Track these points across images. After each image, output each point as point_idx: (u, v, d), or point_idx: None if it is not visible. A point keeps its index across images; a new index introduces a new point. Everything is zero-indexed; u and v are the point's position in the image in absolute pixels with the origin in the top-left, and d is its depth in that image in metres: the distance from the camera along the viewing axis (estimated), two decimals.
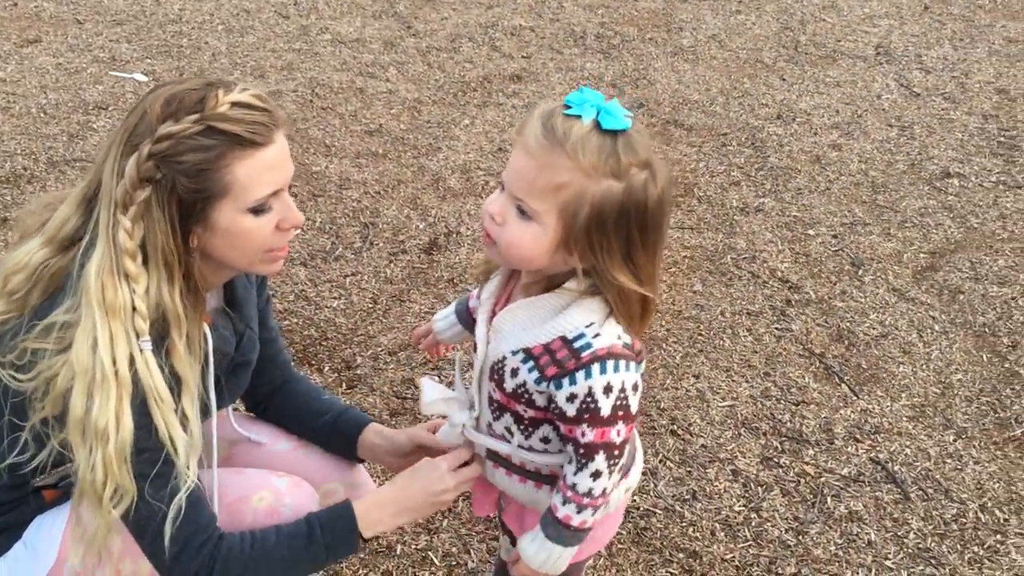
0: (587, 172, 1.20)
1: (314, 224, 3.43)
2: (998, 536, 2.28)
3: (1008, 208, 3.69)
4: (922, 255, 3.39)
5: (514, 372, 1.34)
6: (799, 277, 3.23)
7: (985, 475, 2.45)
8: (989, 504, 2.36)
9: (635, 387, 1.31)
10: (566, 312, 1.31)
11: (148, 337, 1.30)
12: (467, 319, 1.65)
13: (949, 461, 2.50)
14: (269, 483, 1.59)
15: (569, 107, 1.22)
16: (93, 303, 1.27)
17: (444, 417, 1.57)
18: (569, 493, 1.37)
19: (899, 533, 2.28)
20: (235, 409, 1.80)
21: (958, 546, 2.25)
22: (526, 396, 1.35)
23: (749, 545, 2.23)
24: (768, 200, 3.69)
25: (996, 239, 3.49)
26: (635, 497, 2.31)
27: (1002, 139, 4.22)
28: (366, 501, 1.53)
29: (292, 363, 1.92)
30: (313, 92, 4.41)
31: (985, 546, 2.25)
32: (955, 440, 2.56)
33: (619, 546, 2.20)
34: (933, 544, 2.25)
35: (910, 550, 2.24)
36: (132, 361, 1.28)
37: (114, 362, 1.26)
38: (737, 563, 2.18)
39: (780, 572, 2.17)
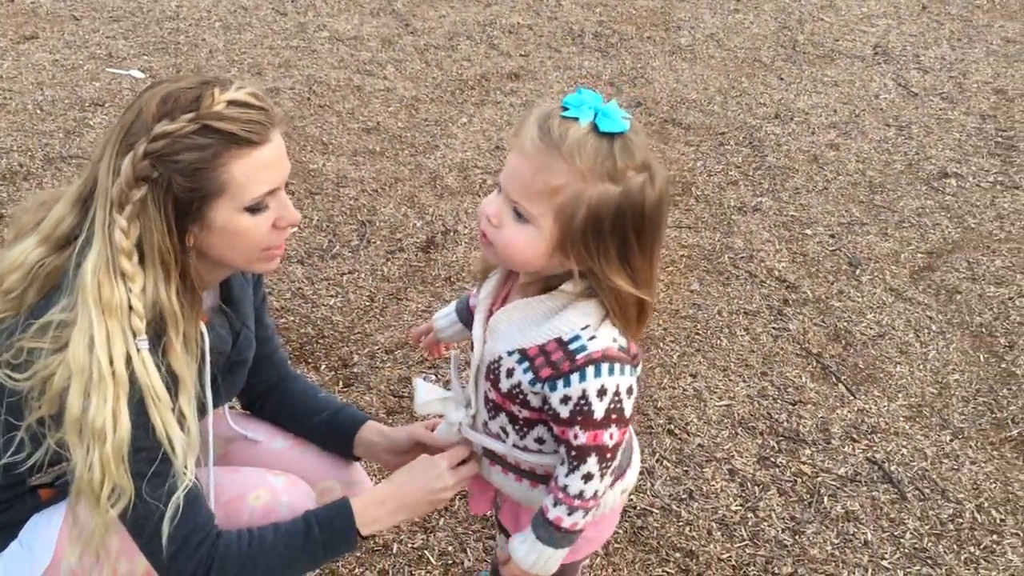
0: (583, 175, 1.20)
1: (311, 222, 3.42)
2: (994, 536, 2.28)
3: (1005, 208, 3.69)
4: (919, 255, 3.39)
5: (509, 372, 1.34)
6: (796, 277, 3.23)
7: (981, 475, 2.45)
8: (985, 504, 2.36)
9: (629, 391, 1.31)
10: (562, 314, 1.30)
11: (145, 336, 1.29)
12: (468, 318, 1.65)
13: (946, 461, 2.50)
14: (265, 481, 1.59)
15: (567, 109, 1.22)
16: (89, 302, 1.27)
17: (441, 416, 1.57)
18: (560, 495, 1.37)
19: (895, 533, 2.28)
20: (231, 407, 1.80)
21: (954, 546, 2.25)
22: (521, 397, 1.35)
23: (746, 545, 2.23)
24: (766, 199, 3.69)
25: (993, 239, 3.50)
26: (632, 496, 2.31)
27: (999, 139, 4.22)
28: (363, 499, 1.53)
29: (288, 361, 1.91)
30: (310, 90, 4.41)
31: (981, 546, 2.25)
32: (952, 440, 2.57)
33: (616, 545, 2.20)
34: (929, 544, 2.26)
35: (906, 550, 2.24)
36: (129, 360, 1.28)
37: (111, 361, 1.26)
38: (734, 563, 2.19)
39: (776, 572, 2.17)
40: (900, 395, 2.72)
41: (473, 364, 1.42)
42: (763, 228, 3.51)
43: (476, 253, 3.24)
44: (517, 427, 1.41)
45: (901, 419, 2.63)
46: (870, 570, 2.19)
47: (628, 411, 1.32)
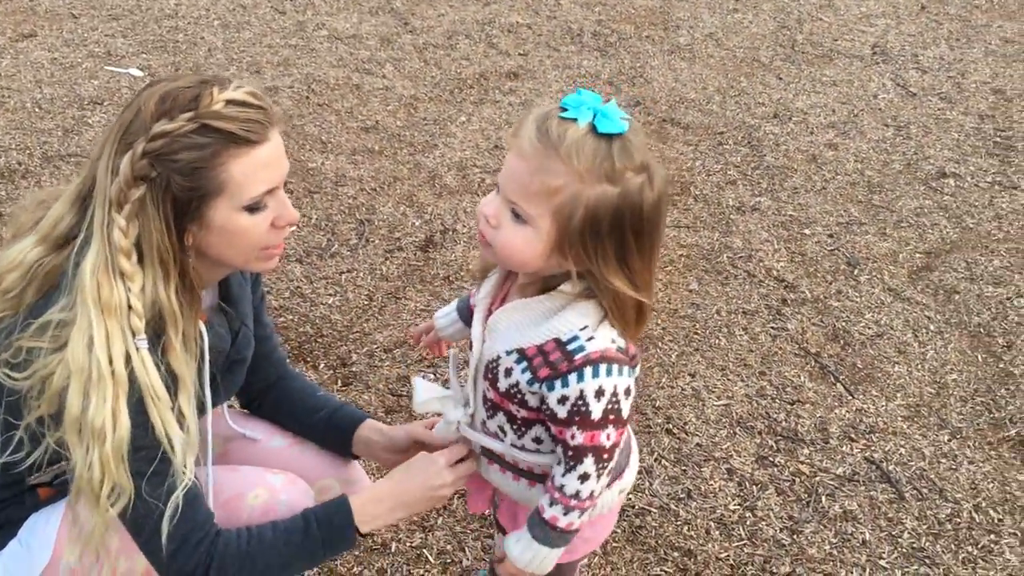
0: (581, 176, 1.20)
1: (310, 221, 3.42)
2: (992, 536, 2.28)
3: (1004, 208, 3.69)
4: (917, 255, 3.39)
5: (508, 372, 1.34)
6: (795, 276, 3.24)
7: (979, 475, 2.45)
8: (983, 504, 2.37)
9: (627, 392, 1.31)
10: (561, 314, 1.30)
11: (144, 335, 1.29)
12: (469, 316, 1.65)
13: (944, 461, 2.50)
14: (264, 480, 1.59)
15: (565, 109, 1.22)
16: (88, 301, 1.27)
17: (439, 415, 1.57)
18: (557, 494, 1.37)
19: (893, 533, 2.28)
20: (230, 406, 1.80)
21: (952, 546, 2.26)
22: (519, 396, 1.35)
23: (744, 544, 2.24)
24: (764, 199, 3.69)
25: (991, 239, 3.50)
26: (630, 496, 2.31)
27: (998, 139, 4.22)
28: (362, 496, 1.53)
29: (287, 360, 1.91)
30: (309, 88, 4.40)
31: (979, 546, 2.26)
32: (950, 440, 2.57)
33: (614, 544, 2.20)
34: (927, 544, 2.26)
35: (904, 550, 2.24)
36: (128, 359, 1.28)
37: (110, 360, 1.26)
38: (732, 562, 2.19)
39: (774, 571, 2.17)
40: (898, 395, 2.72)
41: (472, 363, 1.43)
42: (761, 228, 3.51)
43: (475, 252, 3.24)
44: (515, 426, 1.41)
45: (899, 419, 2.64)
46: (868, 569, 2.19)
47: (626, 412, 1.32)
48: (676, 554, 2.20)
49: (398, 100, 4.36)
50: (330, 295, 3.05)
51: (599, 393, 1.28)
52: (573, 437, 1.31)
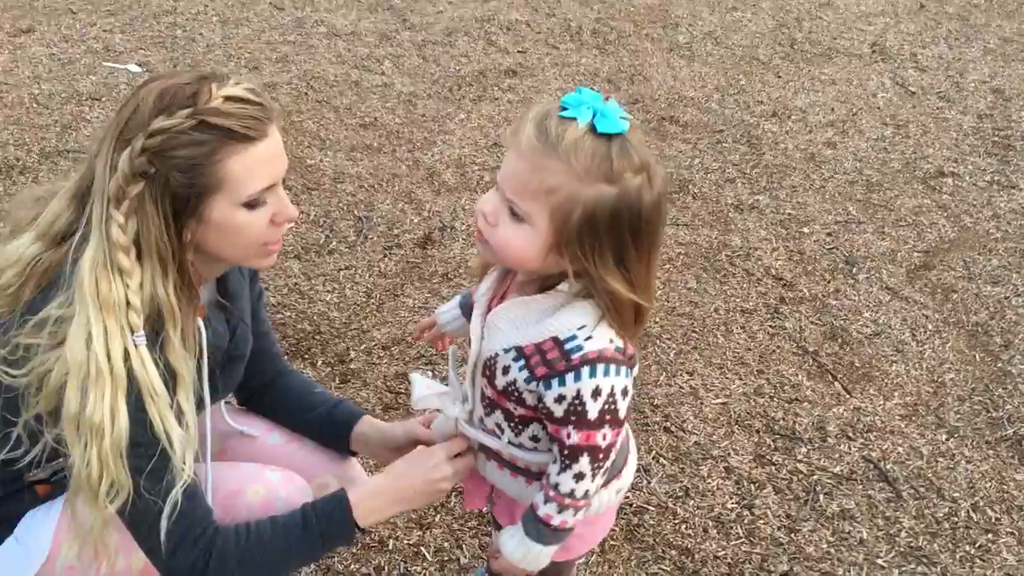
0: (579, 176, 1.20)
1: (308, 217, 3.42)
2: (989, 535, 2.29)
3: (1002, 208, 3.69)
4: (916, 254, 3.39)
5: (505, 370, 1.34)
6: (793, 275, 3.24)
7: (977, 474, 2.46)
8: (981, 503, 2.37)
9: (624, 392, 1.31)
10: (559, 313, 1.30)
11: (142, 332, 1.29)
12: (471, 312, 1.66)
13: (941, 460, 2.50)
14: (262, 477, 1.59)
15: (565, 108, 1.22)
16: (87, 298, 1.26)
17: (438, 411, 1.57)
18: (551, 492, 1.37)
19: (891, 531, 2.29)
20: (227, 403, 1.80)
21: (950, 545, 2.26)
22: (516, 394, 1.35)
23: (741, 542, 2.24)
24: (763, 197, 3.69)
25: (990, 238, 3.50)
26: (628, 494, 2.30)
27: (996, 139, 4.22)
28: (361, 491, 1.52)
29: (284, 357, 1.91)
30: (308, 85, 4.40)
31: (976, 545, 2.26)
32: (947, 439, 2.57)
33: (611, 543, 2.20)
34: (925, 543, 2.26)
35: (902, 548, 2.24)
36: (127, 356, 1.28)
37: (108, 357, 1.26)
38: (729, 560, 2.19)
39: (772, 570, 2.17)
40: (896, 394, 2.72)
41: (470, 360, 1.43)
42: (760, 226, 3.51)
43: (473, 250, 3.24)
44: (512, 424, 1.41)
45: (897, 418, 2.64)
46: (865, 568, 2.19)
47: (623, 412, 1.32)
48: (674, 552, 2.20)
49: (397, 97, 4.36)
50: (328, 292, 3.05)
51: (596, 393, 1.28)
52: (569, 436, 1.31)
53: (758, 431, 2.57)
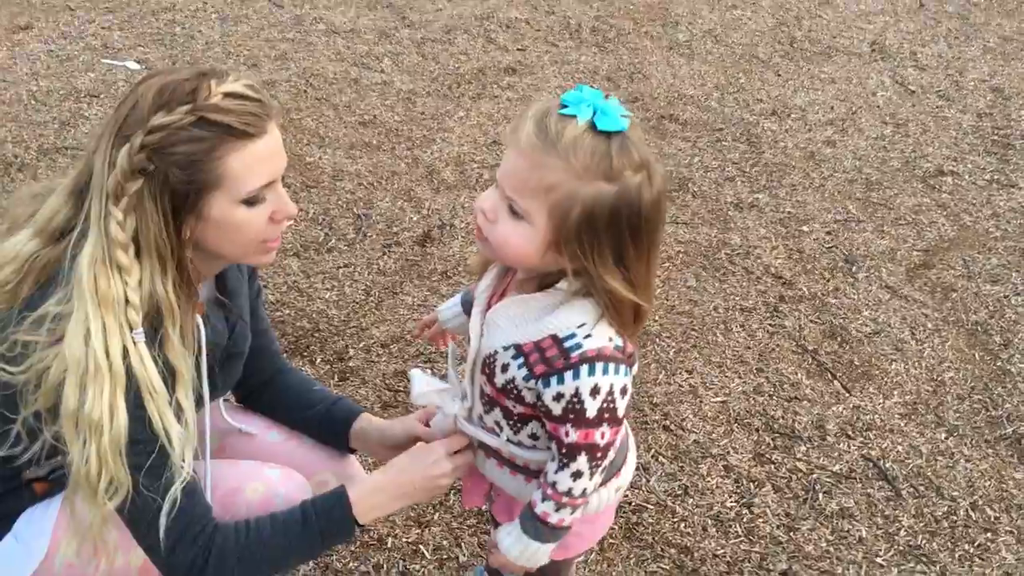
0: (578, 174, 1.19)
1: (307, 215, 3.41)
2: (988, 534, 2.28)
3: (1001, 207, 3.69)
4: (915, 253, 3.39)
5: (504, 367, 1.34)
6: (792, 273, 3.23)
7: (976, 473, 2.46)
8: (980, 502, 2.37)
9: (623, 391, 1.31)
10: (559, 311, 1.30)
11: (141, 329, 1.29)
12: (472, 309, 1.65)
13: (940, 459, 2.50)
14: (261, 474, 1.59)
15: (565, 106, 1.21)
16: (86, 295, 1.26)
17: (437, 407, 1.57)
18: (549, 490, 1.37)
19: (890, 530, 2.29)
20: (226, 400, 1.80)
21: (949, 544, 2.26)
22: (515, 392, 1.35)
23: (740, 541, 2.24)
24: (762, 196, 3.69)
25: (989, 237, 3.50)
26: (627, 492, 2.31)
27: (996, 138, 4.22)
28: (361, 487, 1.52)
29: (283, 354, 1.91)
30: (307, 82, 4.39)
31: (975, 544, 2.26)
32: (947, 438, 2.57)
33: (610, 541, 2.20)
34: (924, 541, 2.26)
35: (901, 547, 2.24)
36: (125, 353, 1.27)
37: (107, 354, 1.26)
38: (728, 559, 2.19)
39: (771, 568, 2.17)
40: (895, 392, 2.72)
41: (469, 357, 1.42)
42: (760, 225, 3.50)
43: (472, 248, 3.24)
44: (511, 422, 1.40)
45: (896, 416, 2.64)
46: (864, 567, 2.19)
47: (621, 411, 1.32)
48: (673, 551, 2.20)
49: (396, 95, 4.35)
50: (327, 290, 3.04)
51: (595, 391, 1.28)
52: (567, 434, 1.31)
53: (757, 429, 2.57)
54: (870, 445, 2.53)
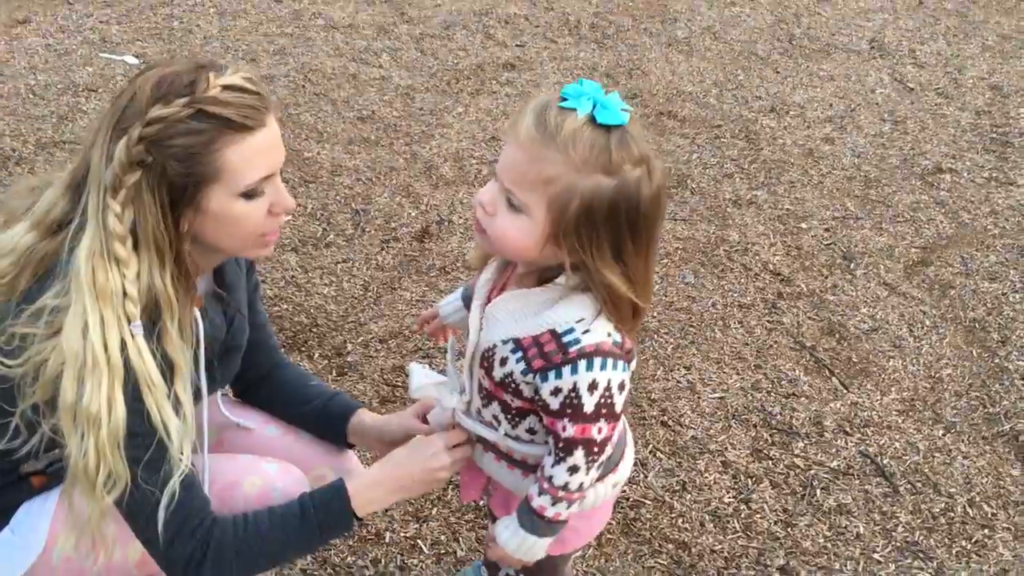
0: (577, 167, 1.19)
1: (305, 210, 3.41)
2: (986, 531, 2.29)
3: (1000, 204, 3.69)
4: (913, 250, 3.39)
5: (503, 361, 1.34)
6: (791, 270, 3.23)
7: (973, 470, 2.46)
8: (977, 499, 2.37)
9: (621, 386, 1.30)
10: (558, 306, 1.30)
11: (139, 322, 1.28)
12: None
13: (938, 455, 2.50)
14: (259, 468, 1.59)
15: (565, 99, 1.21)
16: (83, 287, 1.25)
17: (435, 399, 1.57)
18: (545, 485, 1.37)
19: (887, 526, 2.29)
20: (224, 395, 1.79)
21: (946, 540, 2.26)
22: (513, 386, 1.35)
23: (738, 536, 2.24)
24: (761, 193, 3.69)
25: (987, 235, 3.50)
26: (625, 488, 2.31)
27: (995, 135, 4.22)
28: (359, 480, 1.52)
29: (281, 349, 1.91)
30: (305, 77, 4.38)
31: (973, 540, 2.26)
32: (944, 434, 2.57)
33: (608, 536, 2.20)
34: (921, 537, 2.26)
35: (898, 543, 2.25)
36: (124, 346, 1.27)
37: (105, 347, 1.25)
38: (726, 554, 2.19)
39: (768, 564, 2.17)
40: (893, 389, 2.73)
41: (468, 350, 1.42)
42: (758, 221, 3.50)
43: (471, 243, 3.24)
44: (509, 416, 1.40)
45: (894, 413, 2.64)
46: (862, 563, 2.19)
47: (619, 406, 1.32)
48: (670, 546, 2.20)
49: (394, 90, 4.35)
50: (326, 285, 3.04)
51: (592, 386, 1.28)
52: (564, 429, 1.31)
53: (755, 426, 2.57)
54: (868, 441, 2.53)
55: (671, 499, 2.32)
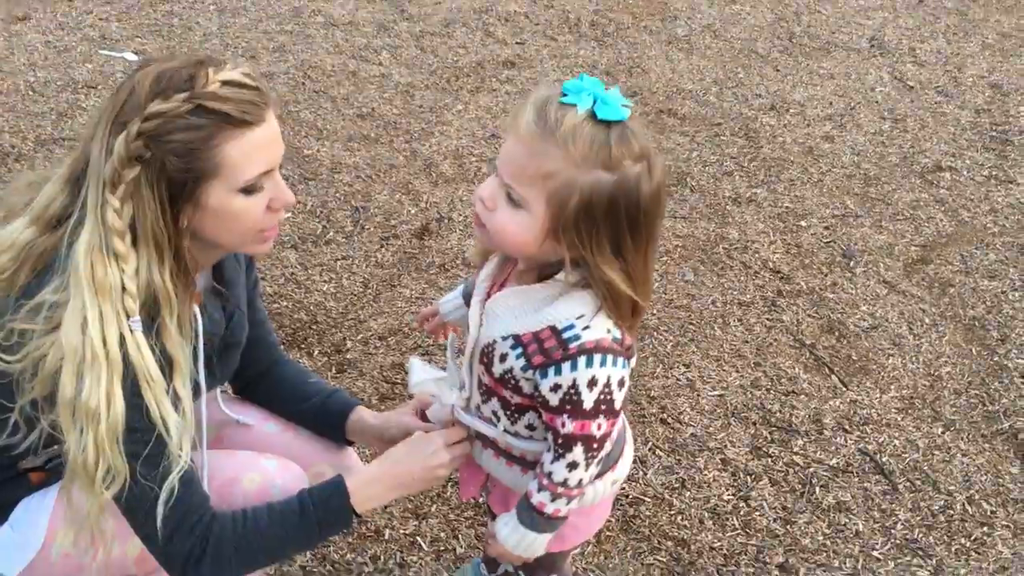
0: (577, 162, 1.19)
1: (305, 207, 3.41)
2: (985, 528, 2.29)
3: (999, 202, 3.69)
4: (913, 248, 3.39)
5: (503, 357, 1.34)
6: (790, 268, 3.23)
7: (972, 467, 2.46)
8: (976, 496, 2.37)
9: (621, 383, 1.30)
10: (558, 302, 1.30)
11: (138, 317, 1.28)
12: None
13: (937, 453, 2.50)
14: (258, 465, 1.58)
15: (566, 94, 1.21)
16: (82, 282, 1.25)
17: (433, 395, 1.57)
18: (545, 481, 1.37)
19: (887, 524, 2.29)
20: (223, 391, 1.79)
21: (945, 537, 2.26)
22: (512, 382, 1.35)
23: (737, 534, 2.24)
24: (761, 191, 3.69)
25: (987, 233, 3.50)
26: (624, 485, 2.31)
27: (994, 134, 4.22)
28: (359, 477, 1.52)
29: (280, 346, 1.90)
30: (305, 75, 4.38)
31: (972, 538, 2.26)
32: (943, 432, 2.57)
33: (607, 533, 2.20)
34: (920, 535, 2.26)
35: (897, 541, 2.25)
36: (122, 341, 1.27)
37: (104, 342, 1.25)
38: (725, 552, 2.19)
39: (768, 561, 2.17)
40: (892, 387, 2.72)
41: (468, 346, 1.42)
42: (758, 219, 3.50)
43: (470, 241, 3.24)
44: (509, 412, 1.40)
45: (893, 411, 2.64)
46: (861, 560, 2.19)
47: (618, 403, 1.32)
48: (670, 543, 2.20)
49: (394, 87, 4.34)
50: (325, 282, 3.04)
51: (592, 383, 1.28)
52: (564, 425, 1.31)
53: (755, 423, 2.57)
54: (867, 439, 2.53)
55: (670, 496, 2.32)
